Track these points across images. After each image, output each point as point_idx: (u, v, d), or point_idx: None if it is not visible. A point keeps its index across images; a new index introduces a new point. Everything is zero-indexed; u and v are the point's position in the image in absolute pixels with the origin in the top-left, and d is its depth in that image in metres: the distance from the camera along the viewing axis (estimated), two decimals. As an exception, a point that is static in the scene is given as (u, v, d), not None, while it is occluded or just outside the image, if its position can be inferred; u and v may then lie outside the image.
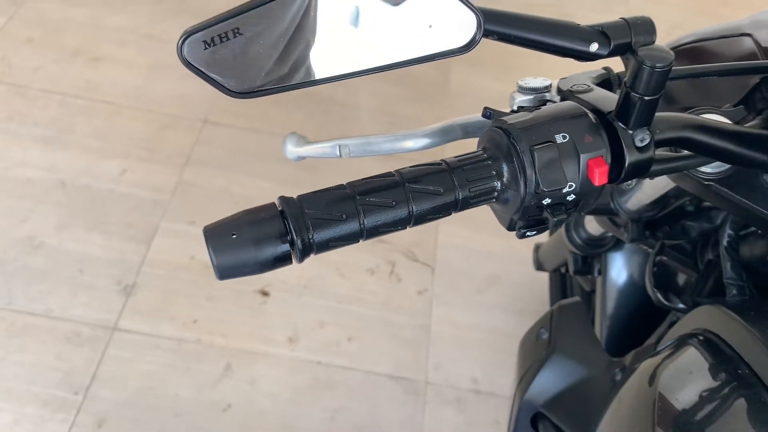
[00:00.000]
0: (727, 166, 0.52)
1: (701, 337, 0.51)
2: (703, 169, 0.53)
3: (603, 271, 0.98)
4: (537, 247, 1.34)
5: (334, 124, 1.97)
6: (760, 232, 0.63)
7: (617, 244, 0.95)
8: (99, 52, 2.05)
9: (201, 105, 1.93)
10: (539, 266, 1.34)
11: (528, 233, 0.44)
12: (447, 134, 0.50)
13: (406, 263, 1.69)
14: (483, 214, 1.75)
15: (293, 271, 1.60)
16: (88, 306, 1.49)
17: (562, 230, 1.02)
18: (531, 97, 0.49)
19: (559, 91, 0.48)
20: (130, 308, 1.50)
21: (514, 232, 0.45)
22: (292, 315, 1.54)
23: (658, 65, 0.40)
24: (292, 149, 0.51)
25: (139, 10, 2.20)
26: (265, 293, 1.57)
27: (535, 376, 0.73)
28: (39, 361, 1.39)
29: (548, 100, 0.48)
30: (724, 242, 0.64)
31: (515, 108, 0.49)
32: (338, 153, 0.50)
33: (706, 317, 0.53)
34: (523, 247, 1.65)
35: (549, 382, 0.72)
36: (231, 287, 1.57)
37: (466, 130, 0.51)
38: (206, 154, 1.83)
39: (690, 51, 0.69)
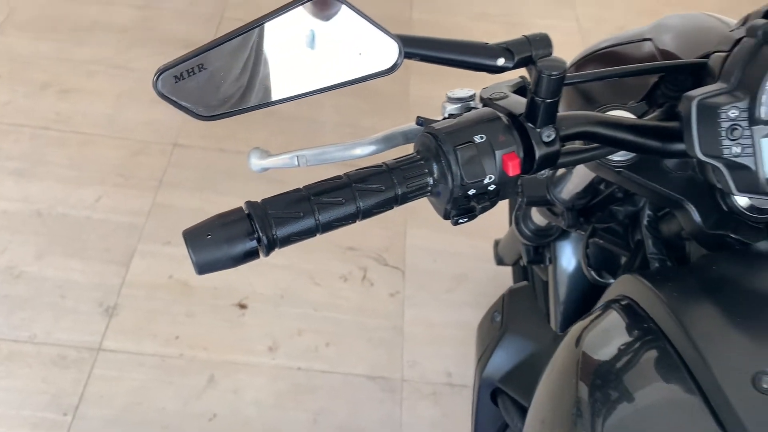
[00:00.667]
0: (633, 154, 0.61)
1: (621, 303, 0.59)
2: (612, 157, 0.61)
3: (553, 259, 1.06)
4: (496, 243, 1.43)
5: (299, 139, 2.04)
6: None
7: (564, 233, 1.03)
8: (68, 83, 2.10)
9: (170, 129, 2.00)
10: (500, 261, 1.42)
11: (460, 220, 0.52)
12: (390, 141, 0.58)
13: (377, 268, 1.76)
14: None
15: (269, 282, 1.68)
16: (71, 329, 1.53)
17: (514, 225, 1.10)
18: (458, 105, 0.57)
19: (481, 99, 0.56)
20: (112, 329, 1.55)
21: (450, 221, 0.53)
22: (271, 325, 1.61)
23: (553, 73, 0.48)
24: (256, 162, 0.58)
25: (106, 42, 2.26)
26: (243, 306, 1.64)
27: (492, 355, 0.81)
28: (26, 385, 1.44)
29: (472, 107, 0.56)
30: (645, 222, 0.73)
31: (446, 115, 0.57)
32: (296, 163, 0.58)
33: (625, 285, 0.61)
34: (487, 245, 1.73)
35: (503, 359, 0.80)
36: (209, 302, 1.62)
37: (406, 137, 0.58)
38: (178, 176, 1.89)
39: (604, 55, 0.78)
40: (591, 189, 0.79)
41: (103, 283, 1.63)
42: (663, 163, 0.62)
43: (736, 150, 0.49)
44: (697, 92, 0.51)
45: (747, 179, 0.50)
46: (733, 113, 0.49)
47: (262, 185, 1.84)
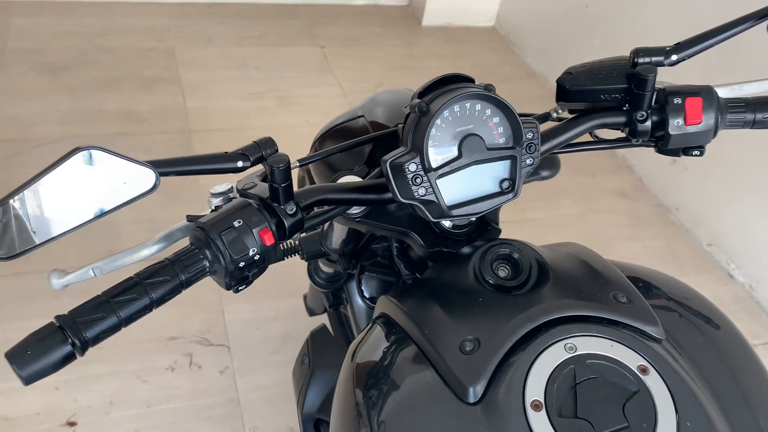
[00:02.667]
0: (363, 207, 0.79)
1: (381, 320, 0.76)
2: (350, 211, 0.78)
3: (349, 301, 1.23)
4: (305, 297, 1.58)
5: (98, 246, 2.05)
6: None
7: (351, 275, 1.21)
8: None
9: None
10: (311, 312, 1.57)
11: (239, 288, 0.66)
12: (170, 239, 0.70)
13: (202, 350, 1.82)
14: (259, 285, 1.97)
15: (94, 393, 1.67)
16: None
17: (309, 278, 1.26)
18: (220, 198, 0.71)
19: (237, 190, 0.71)
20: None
21: (232, 290, 0.66)
22: (106, 433, 1.60)
23: (280, 166, 0.64)
24: (56, 282, 0.67)
25: None
26: (72, 424, 1.61)
27: (307, 392, 0.95)
28: None
29: (232, 198, 0.71)
30: (395, 251, 0.92)
31: (212, 208, 0.71)
32: (93, 274, 0.67)
33: (382, 305, 0.78)
34: (301, 302, 1.88)
35: (317, 393, 0.94)
36: (37, 428, 1.58)
37: (182, 232, 0.71)
38: (-28, 311, 1.81)
39: (336, 131, 0.97)
40: (352, 236, 0.98)
41: None
42: (388, 207, 0.81)
43: (422, 191, 0.68)
44: (389, 156, 0.70)
45: (436, 209, 0.70)
46: (412, 167, 0.68)
47: (66, 299, 1.84)
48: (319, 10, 3.58)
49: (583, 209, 2.53)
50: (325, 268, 1.18)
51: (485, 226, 0.80)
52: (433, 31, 3.60)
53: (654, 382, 0.58)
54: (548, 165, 0.98)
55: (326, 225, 0.97)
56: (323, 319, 1.68)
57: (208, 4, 3.43)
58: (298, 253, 1.03)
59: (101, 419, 1.63)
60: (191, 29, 3.23)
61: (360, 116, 0.93)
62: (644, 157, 2.70)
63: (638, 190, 2.66)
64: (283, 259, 0.87)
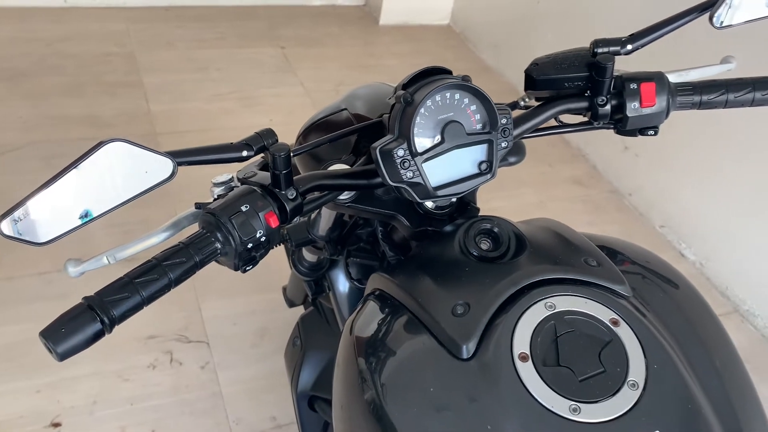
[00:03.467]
0: (353, 192, 0.85)
1: (374, 294, 0.83)
2: (341, 197, 0.85)
3: (331, 287, 1.29)
4: (284, 289, 1.63)
5: (69, 252, 2.06)
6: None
7: (333, 264, 1.27)
8: None
9: None
10: (291, 304, 1.62)
11: (247, 268, 0.72)
12: (178, 226, 0.75)
13: (181, 347, 1.86)
14: (235, 282, 2.02)
15: (77, 393, 1.69)
16: None
17: (293, 267, 1.31)
18: (222, 187, 0.76)
19: (239, 179, 0.76)
20: None
21: (239, 271, 0.72)
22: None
23: (281, 154, 0.70)
24: (73, 270, 0.71)
25: None
26: (56, 425, 1.63)
27: (300, 371, 1.01)
28: None
29: (234, 186, 0.76)
30: (380, 236, 0.99)
31: (215, 197, 0.76)
32: (107, 261, 0.72)
33: (374, 282, 0.85)
34: (278, 296, 1.93)
35: (310, 371, 1.00)
36: (21, 430, 1.59)
37: (189, 220, 0.76)
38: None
39: (320, 125, 1.03)
40: (338, 223, 1.04)
41: None
42: (375, 192, 0.87)
43: (410, 174, 0.75)
44: (378, 143, 0.76)
45: (423, 191, 0.76)
46: (400, 152, 0.74)
47: (45, 305, 1.85)
48: (278, 11, 3.62)
49: (543, 197, 2.64)
50: (309, 257, 1.24)
51: (465, 206, 0.88)
52: (390, 30, 3.68)
53: (624, 333, 0.66)
54: (515, 151, 1.06)
55: (314, 213, 1.03)
56: (302, 310, 1.74)
57: (165, 8, 3.43)
58: (287, 242, 1.08)
59: (85, 419, 1.65)
60: (150, 33, 3.23)
61: (343, 109, 1.00)
62: (598, 145, 2.83)
63: (593, 178, 2.79)
64: (272, 249, 0.93)
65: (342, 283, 1.27)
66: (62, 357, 0.60)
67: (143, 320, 1.93)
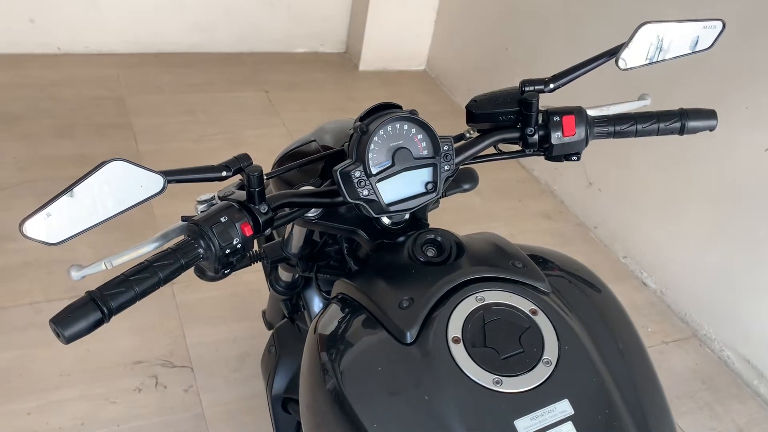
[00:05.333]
0: (320, 209, 0.98)
1: (337, 298, 0.95)
2: (308, 214, 0.98)
3: (306, 307, 1.40)
4: (263, 312, 1.74)
5: (60, 282, 2.16)
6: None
7: (308, 283, 1.39)
8: None
9: None
10: (270, 326, 1.72)
11: (225, 272, 0.84)
12: (167, 237, 0.87)
13: (166, 372, 1.95)
14: (217, 310, 2.13)
15: (65, 416, 1.77)
16: None
17: (270, 287, 1.43)
18: (205, 204, 0.89)
19: (219, 197, 0.89)
20: None
21: (218, 275, 0.84)
22: (79, 452, 1.70)
23: (255, 174, 0.83)
24: (75, 274, 0.83)
25: None
26: (45, 445, 1.71)
27: (275, 376, 1.11)
28: None
29: (214, 203, 0.89)
30: (345, 251, 1.11)
31: (200, 212, 0.89)
32: (104, 267, 0.84)
33: (338, 287, 0.97)
34: (258, 323, 2.03)
35: (284, 375, 1.11)
36: (11, 450, 1.67)
37: (177, 232, 0.88)
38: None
39: (293, 154, 1.17)
40: (309, 242, 1.16)
41: None
42: (339, 210, 1.00)
43: (366, 192, 0.88)
44: (338, 166, 0.90)
45: (377, 207, 0.89)
46: (357, 173, 0.88)
47: (32, 333, 1.94)
48: (263, 58, 3.80)
49: (513, 231, 2.78)
50: (285, 276, 1.36)
51: (416, 222, 1.01)
52: (369, 76, 3.87)
53: (542, 320, 0.79)
54: (468, 179, 1.20)
55: (287, 233, 1.16)
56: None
57: (154, 54, 3.60)
58: (263, 259, 1.21)
59: (73, 439, 1.73)
60: (140, 78, 3.39)
61: (312, 141, 1.14)
62: (564, 182, 2.99)
63: (560, 212, 2.95)
64: (250, 264, 1.05)
65: (316, 303, 1.39)
66: (69, 340, 0.71)
67: (129, 346, 2.03)
